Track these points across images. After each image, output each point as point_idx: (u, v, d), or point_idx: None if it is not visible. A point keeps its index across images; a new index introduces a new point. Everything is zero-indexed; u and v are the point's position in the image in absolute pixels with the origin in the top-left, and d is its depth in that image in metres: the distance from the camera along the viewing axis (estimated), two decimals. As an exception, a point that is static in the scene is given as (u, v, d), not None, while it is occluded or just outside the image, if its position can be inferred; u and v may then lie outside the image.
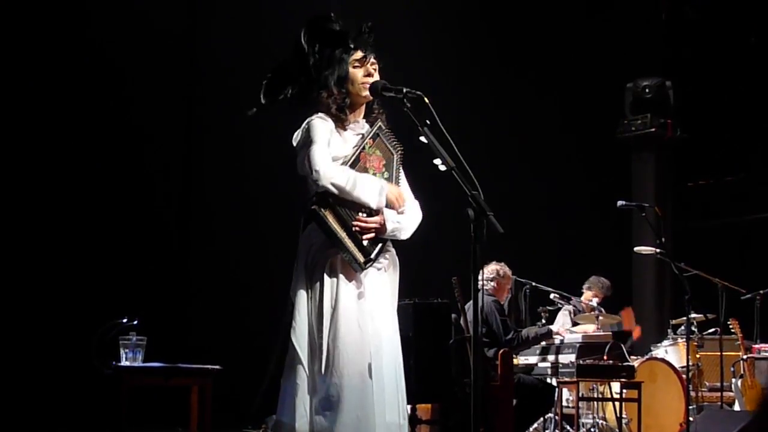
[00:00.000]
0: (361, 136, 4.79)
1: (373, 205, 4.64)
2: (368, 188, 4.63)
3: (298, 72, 4.85)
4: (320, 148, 4.61)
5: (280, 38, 4.95)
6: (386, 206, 4.68)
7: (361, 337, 4.57)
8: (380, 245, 4.71)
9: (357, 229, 4.60)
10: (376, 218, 4.68)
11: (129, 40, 9.17)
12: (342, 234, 4.57)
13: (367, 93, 4.82)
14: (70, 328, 8.20)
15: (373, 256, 4.66)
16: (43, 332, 8.34)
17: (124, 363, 6.51)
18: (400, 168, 4.90)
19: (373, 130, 4.81)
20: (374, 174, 4.75)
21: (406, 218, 4.82)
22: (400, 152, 4.88)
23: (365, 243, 4.63)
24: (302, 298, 4.66)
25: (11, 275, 8.34)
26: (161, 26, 9.46)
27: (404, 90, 4.57)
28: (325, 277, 4.62)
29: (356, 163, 4.68)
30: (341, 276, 4.63)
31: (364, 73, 4.82)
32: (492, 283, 9.04)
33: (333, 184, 4.56)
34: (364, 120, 4.90)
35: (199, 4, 9.83)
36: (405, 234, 4.82)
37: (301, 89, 4.85)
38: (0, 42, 8.53)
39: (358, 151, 4.71)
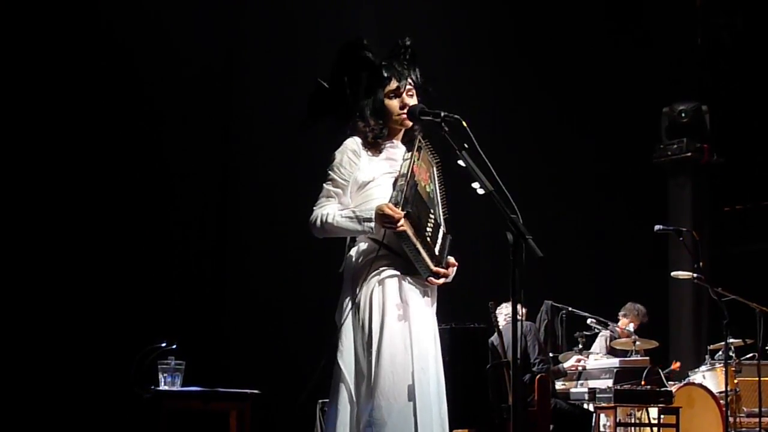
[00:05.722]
0: (411, 152, 4.77)
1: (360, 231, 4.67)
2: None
3: (335, 102, 4.84)
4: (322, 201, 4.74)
5: (316, 73, 4.93)
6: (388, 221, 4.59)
7: (406, 360, 4.53)
8: (446, 249, 4.76)
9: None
10: (453, 270, 4.75)
11: (165, 77, 9.24)
12: (419, 245, 4.57)
13: (404, 123, 4.81)
14: (108, 353, 8.24)
15: (443, 263, 4.70)
16: (82, 357, 8.38)
17: (163, 387, 6.52)
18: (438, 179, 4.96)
19: (416, 143, 4.80)
20: (424, 186, 4.77)
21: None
22: (437, 164, 4.92)
23: (437, 251, 4.67)
24: (348, 321, 4.63)
25: (52, 301, 8.39)
26: (198, 63, 9.53)
27: (442, 114, 4.56)
28: (373, 299, 4.59)
29: (413, 176, 4.68)
30: (388, 299, 4.59)
31: (399, 104, 4.78)
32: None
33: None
34: (400, 141, 4.88)
35: (235, 38, 9.89)
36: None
37: (341, 118, 4.86)
38: (39, 73, 8.60)
39: (411, 164, 4.69)
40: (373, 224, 4.56)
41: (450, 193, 4.99)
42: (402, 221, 4.48)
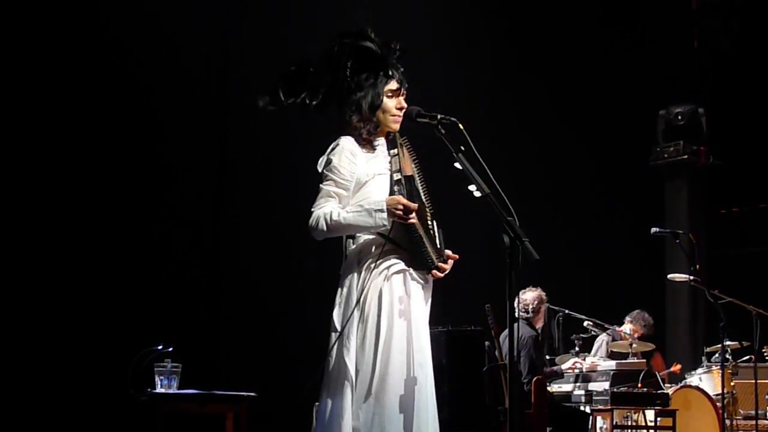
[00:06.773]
0: (395, 148, 4.74)
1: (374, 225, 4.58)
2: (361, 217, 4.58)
3: (323, 81, 4.77)
4: (323, 201, 4.65)
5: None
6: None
7: (409, 357, 4.53)
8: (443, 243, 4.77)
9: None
10: (450, 264, 4.73)
11: (162, 78, 9.23)
12: (425, 238, 4.58)
13: (395, 125, 4.75)
14: (105, 356, 8.23)
15: (443, 255, 4.71)
16: (79, 359, 8.37)
17: (159, 390, 6.51)
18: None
19: (398, 139, 4.77)
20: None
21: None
22: (414, 160, 4.85)
23: (438, 245, 4.68)
24: (353, 320, 4.57)
25: (49, 303, 8.38)
26: (194, 64, 9.53)
27: (439, 116, 4.54)
28: (383, 295, 4.57)
29: (406, 170, 4.66)
30: (395, 295, 4.58)
31: (396, 104, 4.74)
32: (530, 314, 9.09)
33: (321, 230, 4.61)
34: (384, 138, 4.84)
35: (231, 33, 9.88)
36: None
37: (322, 99, 4.78)
38: (36, 73, 8.60)
39: (399, 159, 4.68)
40: (385, 215, 4.50)
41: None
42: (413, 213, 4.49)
